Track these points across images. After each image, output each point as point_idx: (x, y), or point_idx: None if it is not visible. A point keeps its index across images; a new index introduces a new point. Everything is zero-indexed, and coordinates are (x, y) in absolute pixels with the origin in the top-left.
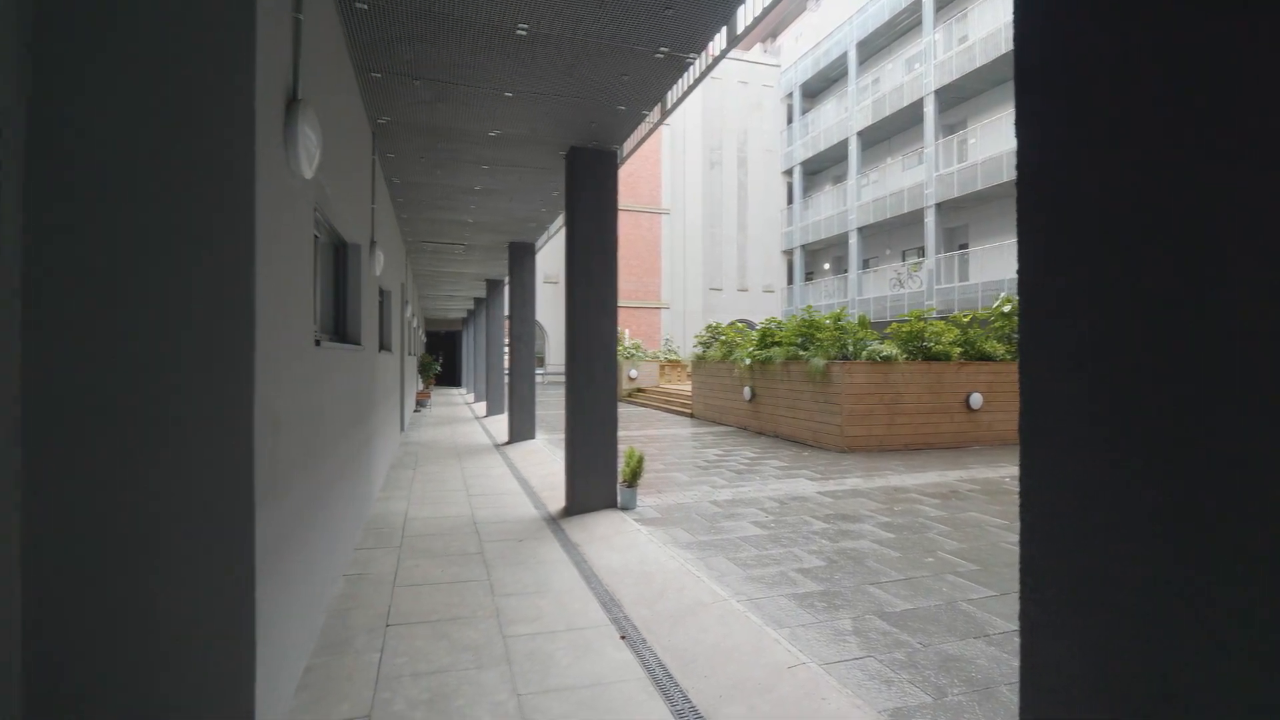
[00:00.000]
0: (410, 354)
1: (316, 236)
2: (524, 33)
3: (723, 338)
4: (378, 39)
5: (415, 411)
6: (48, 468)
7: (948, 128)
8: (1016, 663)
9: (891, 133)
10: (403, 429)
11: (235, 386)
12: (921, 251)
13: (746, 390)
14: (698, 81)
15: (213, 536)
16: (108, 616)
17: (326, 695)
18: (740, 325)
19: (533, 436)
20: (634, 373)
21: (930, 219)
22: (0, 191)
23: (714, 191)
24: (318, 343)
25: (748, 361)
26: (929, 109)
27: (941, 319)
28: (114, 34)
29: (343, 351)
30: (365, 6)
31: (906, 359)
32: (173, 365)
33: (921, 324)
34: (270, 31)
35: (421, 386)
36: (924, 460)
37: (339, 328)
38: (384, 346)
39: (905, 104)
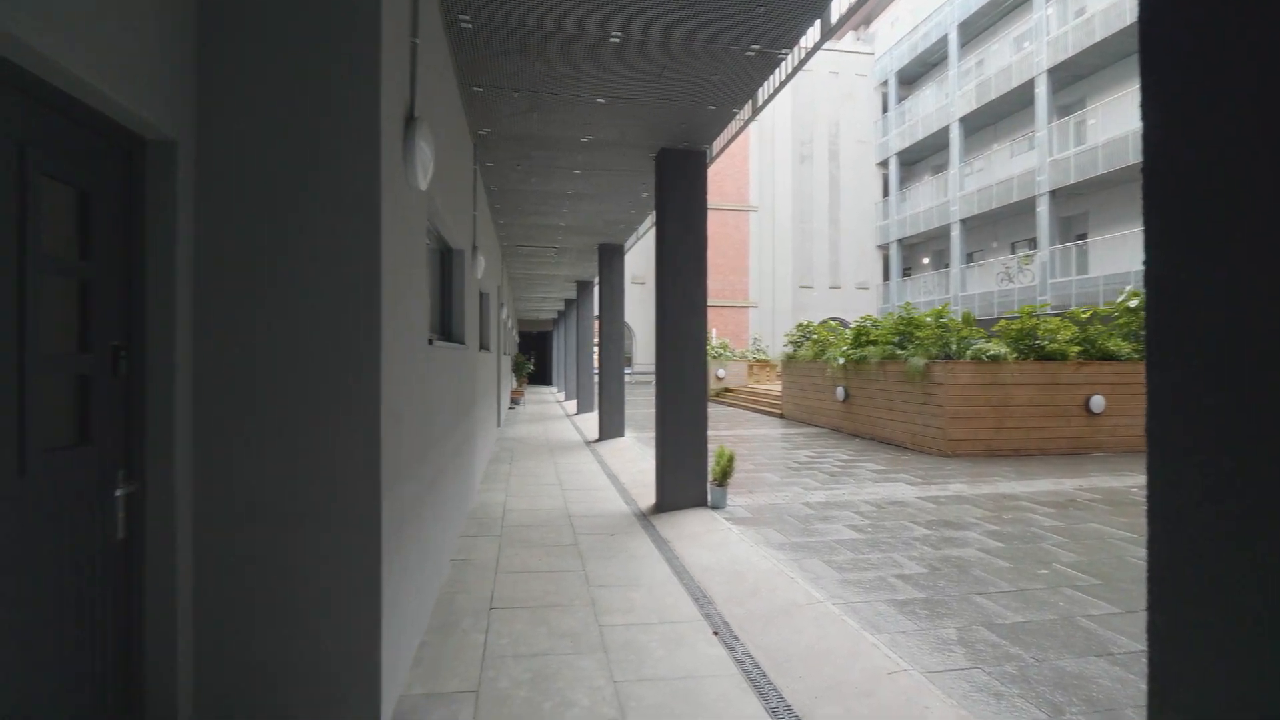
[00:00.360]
0: (505, 353)
1: (427, 243)
2: (617, 40)
3: (814, 336)
4: (480, 55)
5: (510, 409)
6: (211, 459)
7: (1062, 109)
8: (1145, 685)
9: (997, 117)
10: (499, 425)
11: (365, 382)
12: (1033, 243)
13: (839, 391)
14: (790, 77)
15: (348, 518)
16: (261, 587)
17: (439, 670)
18: (833, 323)
19: (622, 434)
20: (721, 372)
21: (1043, 207)
22: (177, 206)
23: (804, 187)
24: (430, 341)
25: (841, 361)
26: (1041, 89)
27: (1057, 315)
28: (263, 65)
29: (449, 350)
30: (470, 25)
31: (1016, 358)
32: (315, 363)
33: (1034, 321)
34: (392, 56)
35: (515, 385)
36: (1037, 467)
37: (445, 328)
38: (483, 346)
39: (1013, 86)
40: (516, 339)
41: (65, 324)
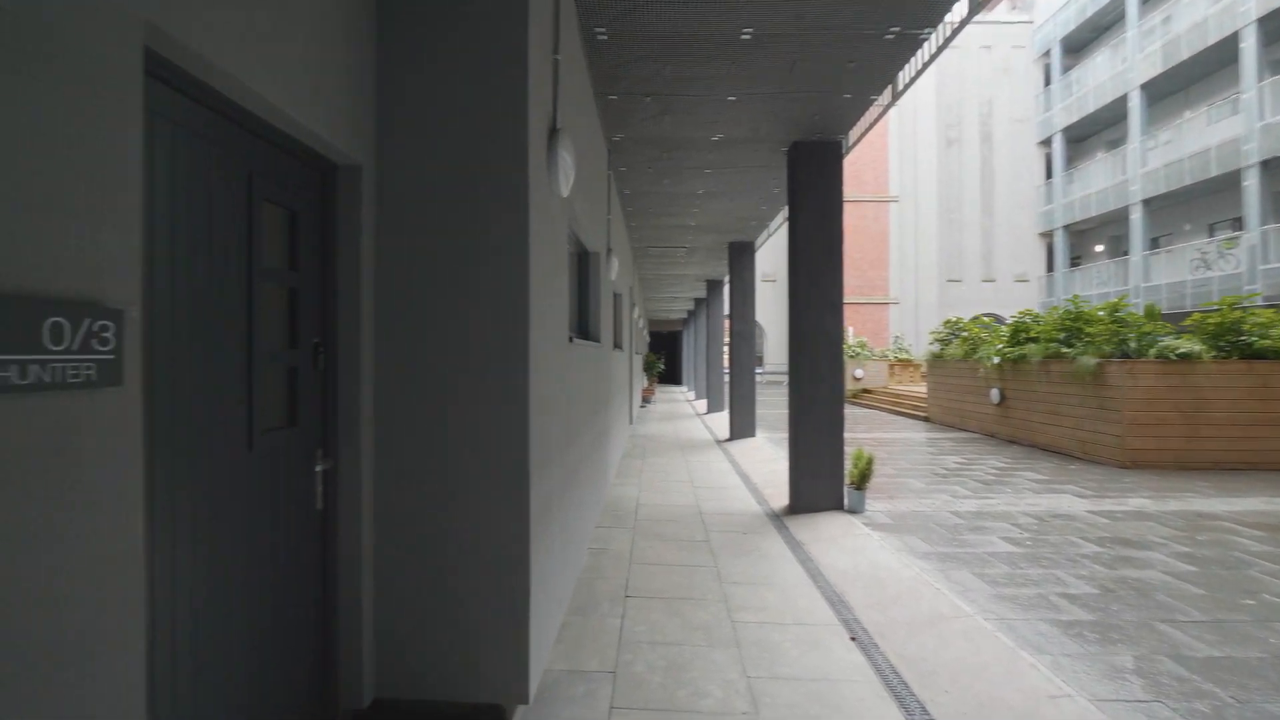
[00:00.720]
0: (637, 353)
1: (567, 247)
2: (749, 36)
3: (964, 334)
4: (615, 63)
5: (641, 407)
6: (388, 442)
7: (1275, 64)
8: None
9: (1189, 81)
10: (631, 422)
11: (515, 375)
12: (1238, 223)
13: (994, 393)
14: (934, 56)
15: (501, 499)
16: (427, 559)
17: (579, 649)
18: (986, 319)
19: (753, 434)
20: (859, 372)
21: (1251, 181)
22: (361, 222)
23: (951, 172)
24: (570, 339)
25: (996, 360)
26: (1249, 43)
27: (1271, 307)
28: (427, 94)
29: (587, 348)
30: (606, 37)
31: (1215, 357)
32: (473, 358)
33: (1238, 314)
34: (537, 75)
35: (646, 384)
36: (1242, 483)
37: (582, 327)
38: (617, 345)
39: (1210, 42)
40: (647, 338)
41: (279, 325)
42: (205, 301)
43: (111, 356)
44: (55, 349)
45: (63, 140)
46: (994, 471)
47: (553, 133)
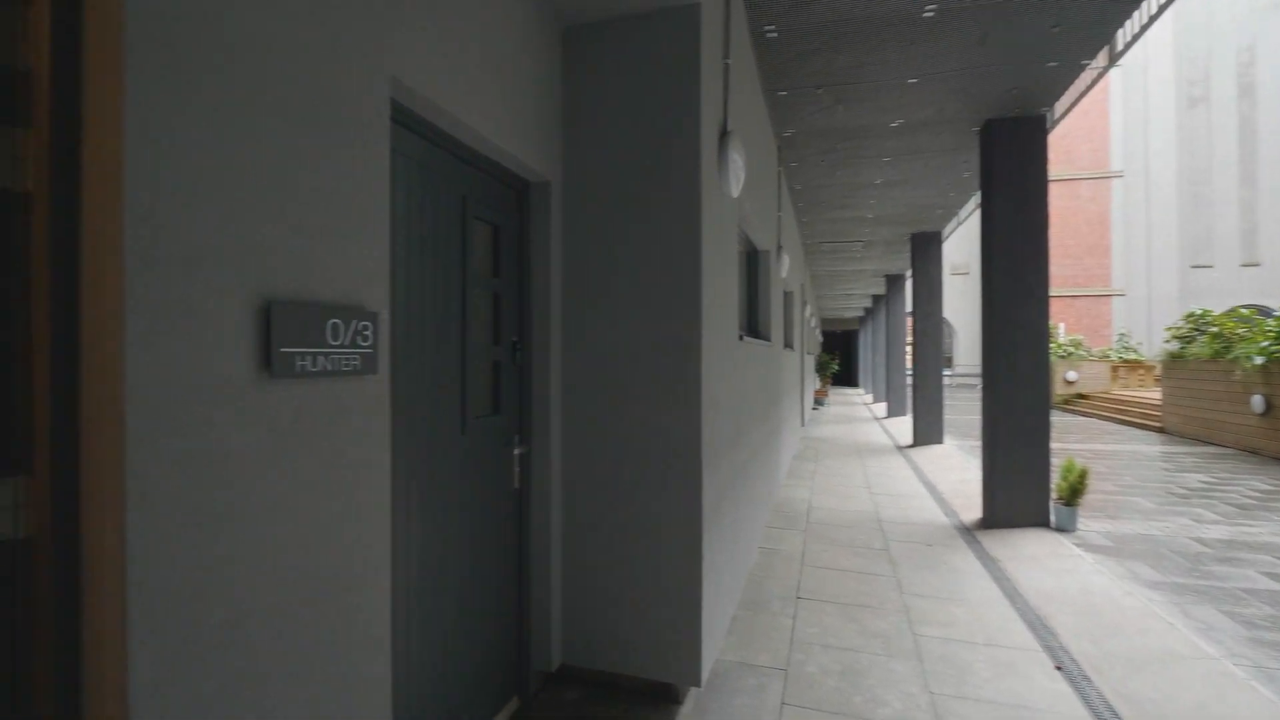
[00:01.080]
0: (808, 352)
1: (737, 246)
2: (931, 13)
3: (1213, 329)
4: (785, 58)
5: (813, 409)
6: (573, 432)
7: None
8: None
9: None
10: (803, 424)
11: (689, 372)
12: None
13: (1256, 400)
14: (1165, 6)
15: (674, 490)
16: (606, 542)
17: (750, 643)
18: (1245, 312)
19: (940, 441)
20: (1072, 375)
21: None
22: (550, 232)
23: (1197, 137)
24: (740, 338)
25: (1259, 360)
26: None
27: None
28: (606, 111)
29: (756, 346)
30: (775, 34)
31: None
32: (650, 355)
33: None
34: (708, 81)
35: (818, 385)
36: None
37: (752, 325)
38: (787, 344)
39: None
40: (820, 338)
41: (485, 324)
42: (430, 305)
43: (370, 350)
44: (334, 344)
45: (335, 179)
46: (1255, 495)
47: (723, 135)
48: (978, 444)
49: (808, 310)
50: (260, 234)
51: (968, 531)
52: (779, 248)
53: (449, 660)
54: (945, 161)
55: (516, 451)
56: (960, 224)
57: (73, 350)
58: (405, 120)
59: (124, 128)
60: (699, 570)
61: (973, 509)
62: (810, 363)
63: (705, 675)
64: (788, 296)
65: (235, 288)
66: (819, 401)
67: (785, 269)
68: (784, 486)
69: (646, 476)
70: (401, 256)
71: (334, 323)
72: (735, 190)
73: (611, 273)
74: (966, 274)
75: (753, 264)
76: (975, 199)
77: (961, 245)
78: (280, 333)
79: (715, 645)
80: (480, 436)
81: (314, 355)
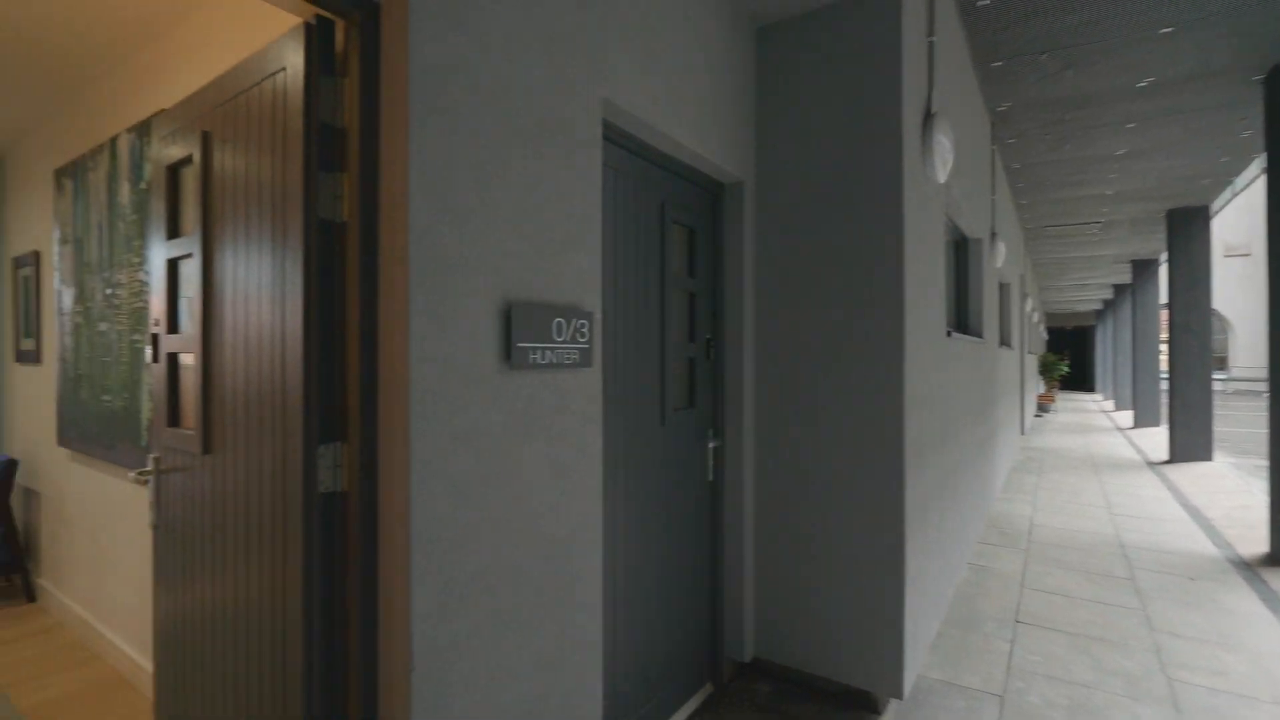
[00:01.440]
0: (1030, 352)
1: (943, 235)
2: None
3: None
4: (999, 26)
5: (1036, 416)
6: (765, 429)
7: None
8: None
9: None
10: (1023, 432)
11: (890, 371)
12: None
13: None
14: None
15: (874, 494)
16: (799, 542)
17: (957, 662)
18: None
19: (1208, 457)
20: None
21: None
22: (744, 231)
23: None
24: (948, 334)
25: None
26: None
27: None
28: (798, 106)
29: (966, 343)
30: (988, 1)
31: None
32: (847, 353)
33: None
34: (910, 62)
35: (1043, 389)
36: None
37: (961, 320)
38: (1003, 342)
39: None
40: (1044, 336)
41: (681, 322)
42: (633, 305)
43: (587, 346)
44: (558, 340)
45: (559, 194)
46: None
47: (928, 118)
48: (1262, 462)
49: (1029, 304)
50: (503, 245)
51: (1247, 567)
52: (993, 234)
53: (649, 638)
54: (1214, 121)
55: (711, 445)
56: (1236, 194)
57: (372, 343)
58: (612, 135)
59: (409, 169)
60: (902, 575)
61: (1256, 541)
62: (1032, 363)
63: (908, 689)
64: (1004, 289)
65: (486, 291)
66: (1044, 408)
67: (1001, 258)
68: (1000, 500)
69: (843, 478)
70: (609, 260)
71: (558, 321)
72: (942, 175)
73: (806, 268)
74: (1248, 255)
75: (962, 253)
76: (1258, 163)
77: (1240, 220)
78: (517, 330)
79: (918, 659)
80: (677, 429)
81: (542, 349)
